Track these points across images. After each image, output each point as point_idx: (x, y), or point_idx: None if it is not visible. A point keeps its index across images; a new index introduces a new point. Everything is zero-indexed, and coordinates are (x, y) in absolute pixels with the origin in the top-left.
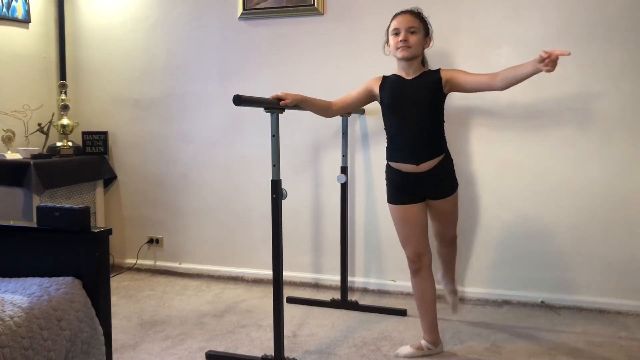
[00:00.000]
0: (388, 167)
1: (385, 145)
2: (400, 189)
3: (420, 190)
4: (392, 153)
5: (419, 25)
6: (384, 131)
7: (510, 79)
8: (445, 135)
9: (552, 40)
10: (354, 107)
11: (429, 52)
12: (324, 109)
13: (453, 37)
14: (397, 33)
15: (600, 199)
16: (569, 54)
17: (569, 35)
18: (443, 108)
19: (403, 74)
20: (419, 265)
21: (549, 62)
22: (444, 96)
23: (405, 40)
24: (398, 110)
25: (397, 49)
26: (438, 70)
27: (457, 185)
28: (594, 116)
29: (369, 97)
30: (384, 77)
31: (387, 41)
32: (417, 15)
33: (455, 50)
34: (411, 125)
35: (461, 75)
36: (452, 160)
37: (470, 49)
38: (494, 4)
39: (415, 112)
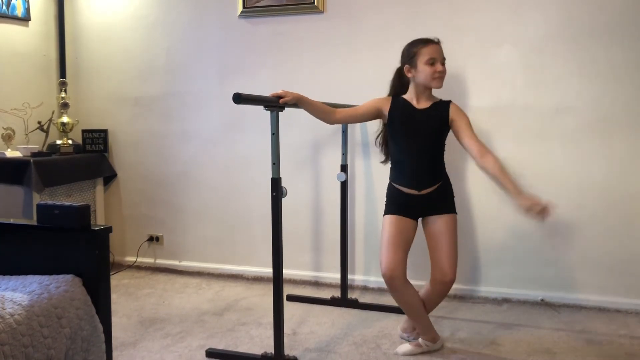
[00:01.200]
0: (390, 185)
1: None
2: (399, 205)
3: (418, 208)
4: (395, 176)
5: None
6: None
7: (492, 174)
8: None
9: (553, 39)
10: (360, 120)
11: None
12: (325, 114)
13: (453, 37)
14: (432, 63)
15: (601, 197)
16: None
17: (569, 34)
18: (445, 138)
19: (414, 102)
20: (391, 279)
21: (537, 214)
22: (448, 129)
23: (442, 72)
24: (404, 138)
25: (434, 79)
26: (448, 104)
27: (455, 210)
28: (595, 115)
29: (376, 114)
30: (394, 99)
31: (411, 67)
32: (441, 45)
33: (455, 50)
34: (415, 153)
35: (462, 128)
36: (451, 184)
37: (471, 48)
38: (495, 3)
39: (421, 142)
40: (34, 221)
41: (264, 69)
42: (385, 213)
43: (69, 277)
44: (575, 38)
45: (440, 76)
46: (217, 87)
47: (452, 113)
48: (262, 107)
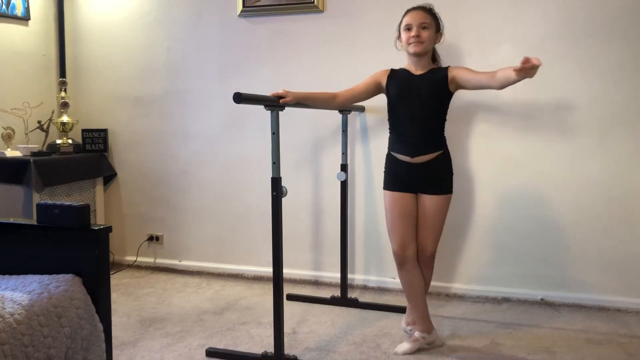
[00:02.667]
0: (388, 154)
1: (385, 139)
2: (396, 176)
3: (414, 180)
4: (392, 143)
5: (430, 21)
6: (384, 128)
7: (503, 81)
8: (446, 133)
9: (553, 38)
10: (361, 98)
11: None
12: (327, 101)
13: (453, 36)
14: (409, 28)
15: (600, 196)
16: (539, 65)
17: (569, 33)
18: (447, 107)
19: (412, 69)
20: (403, 258)
21: (520, 69)
22: (450, 95)
23: (417, 36)
24: (402, 104)
25: (410, 44)
26: (446, 68)
27: (450, 190)
28: (594, 114)
29: (376, 89)
30: (392, 70)
31: (399, 36)
32: (428, 11)
33: (455, 49)
34: (412, 119)
35: (464, 73)
36: (451, 161)
37: (471, 48)
38: (495, 3)
39: (418, 108)
40: (34, 221)
41: (264, 68)
42: (384, 187)
43: (69, 276)
44: (574, 37)
45: (415, 41)
46: (217, 87)
47: (451, 72)
48: (262, 106)
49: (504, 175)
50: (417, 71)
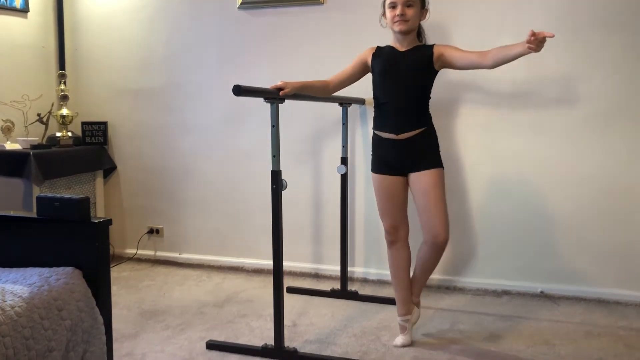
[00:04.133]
0: (373, 135)
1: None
2: (382, 159)
3: (401, 160)
4: (377, 121)
5: None
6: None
7: (499, 58)
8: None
9: (553, 30)
10: (351, 80)
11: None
12: (323, 88)
13: (453, 28)
14: (393, 6)
15: (600, 189)
16: (552, 36)
17: (570, 25)
18: (431, 84)
19: (397, 46)
20: (394, 237)
21: (534, 41)
22: (434, 72)
23: (402, 14)
24: (386, 81)
25: (394, 22)
26: (432, 46)
27: (440, 164)
28: (595, 106)
29: (364, 68)
30: (378, 48)
31: (384, 13)
32: None
33: (455, 42)
34: (396, 96)
35: (453, 51)
36: (436, 137)
37: (471, 40)
38: None
39: (403, 84)
40: (34, 214)
41: (264, 61)
42: (372, 169)
43: (69, 269)
44: (575, 31)
45: (400, 19)
46: (217, 79)
47: (437, 50)
48: (262, 99)
49: (503, 169)
50: (402, 48)
